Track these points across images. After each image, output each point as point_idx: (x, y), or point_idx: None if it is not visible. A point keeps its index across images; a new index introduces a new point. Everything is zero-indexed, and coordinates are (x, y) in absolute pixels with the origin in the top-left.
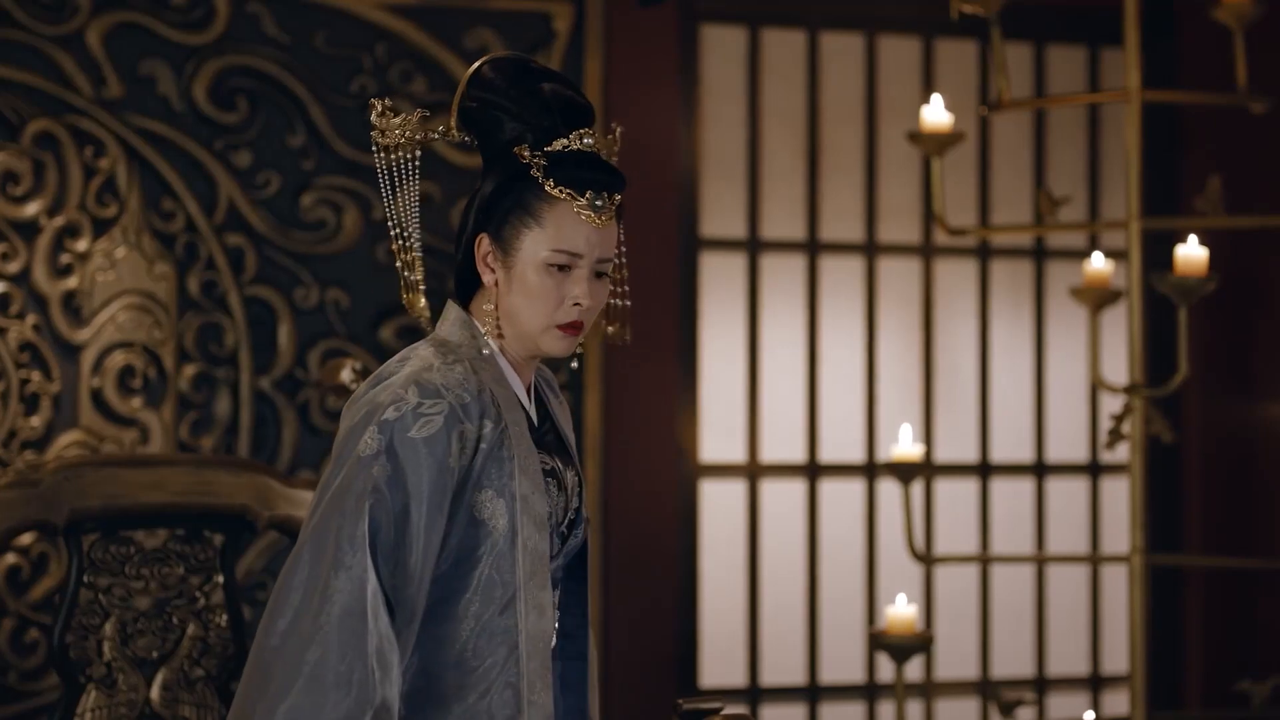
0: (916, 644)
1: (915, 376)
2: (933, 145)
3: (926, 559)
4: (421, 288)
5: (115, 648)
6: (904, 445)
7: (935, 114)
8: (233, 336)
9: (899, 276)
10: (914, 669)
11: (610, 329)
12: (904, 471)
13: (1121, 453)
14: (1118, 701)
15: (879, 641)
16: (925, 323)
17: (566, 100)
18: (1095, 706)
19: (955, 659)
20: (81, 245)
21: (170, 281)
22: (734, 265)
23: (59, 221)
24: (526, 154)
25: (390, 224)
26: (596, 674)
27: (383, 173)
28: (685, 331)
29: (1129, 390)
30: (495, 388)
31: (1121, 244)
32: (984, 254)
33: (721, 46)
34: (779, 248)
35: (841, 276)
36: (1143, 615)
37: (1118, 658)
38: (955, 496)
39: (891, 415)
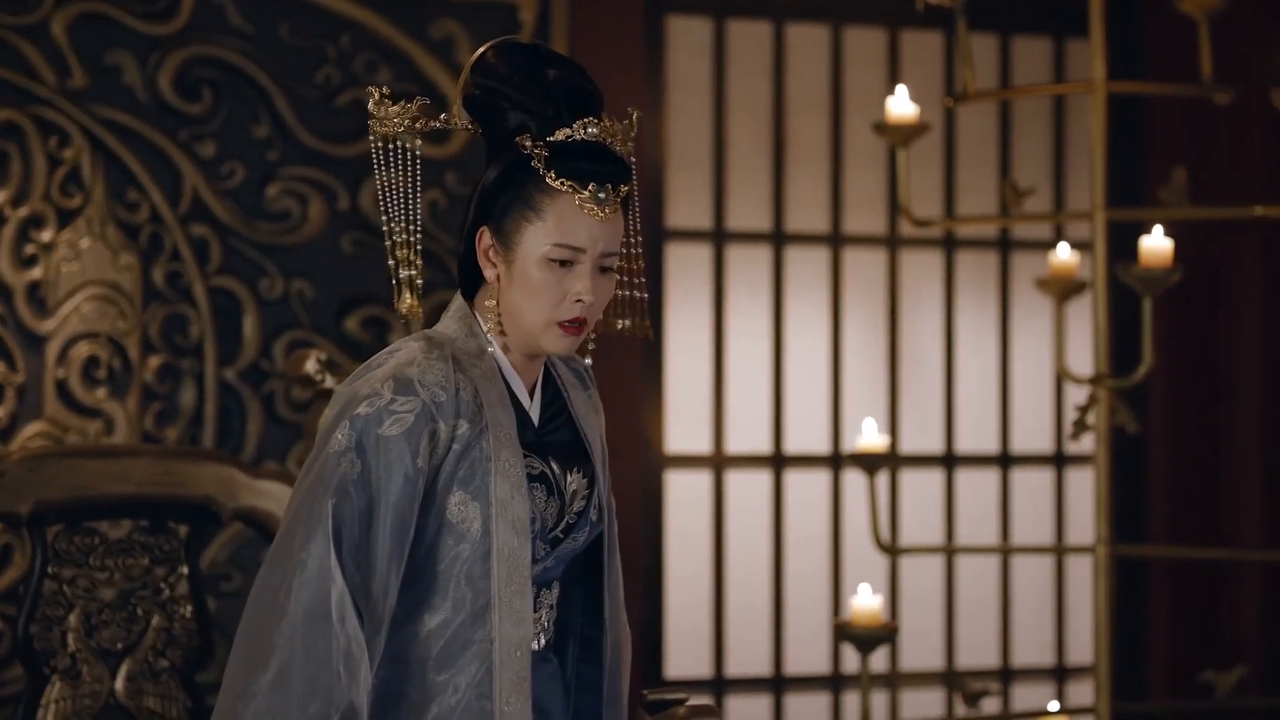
0: (881, 635)
1: (881, 367)
2: (898, 136)
3: (892, 550)
4: (419, 281)
5: (80, 639)
6: (869, 436)
7: (901, 105)
8: (197, 327)
9: (864, 267)
10: (879, 660)
11: (628, 323)
12: (869, 462)
13: (1086, 444)
14: (1083, 692)
15: (844, 632)
16: (891, 314)
17: (571, 88)
18: (1060, 697)
19: (920, 650)
20: (46, 236)
21: (135, 272)
22: (699, 256)
23: (23, 212)
24: (528, 144)
25: (385, 218)
26: (626, 668)
27: (379, 163)
28: (650, 322)
29: (1094, 381)
30: (484, 386)
31: (1087, 235)
32: (949, 245)
33: (687, 38)
34: (744, 238)
35: (807, 267)
36: (1107, 606)
37: (1082, 648)
38: (920, 487)
39: (857, 406)
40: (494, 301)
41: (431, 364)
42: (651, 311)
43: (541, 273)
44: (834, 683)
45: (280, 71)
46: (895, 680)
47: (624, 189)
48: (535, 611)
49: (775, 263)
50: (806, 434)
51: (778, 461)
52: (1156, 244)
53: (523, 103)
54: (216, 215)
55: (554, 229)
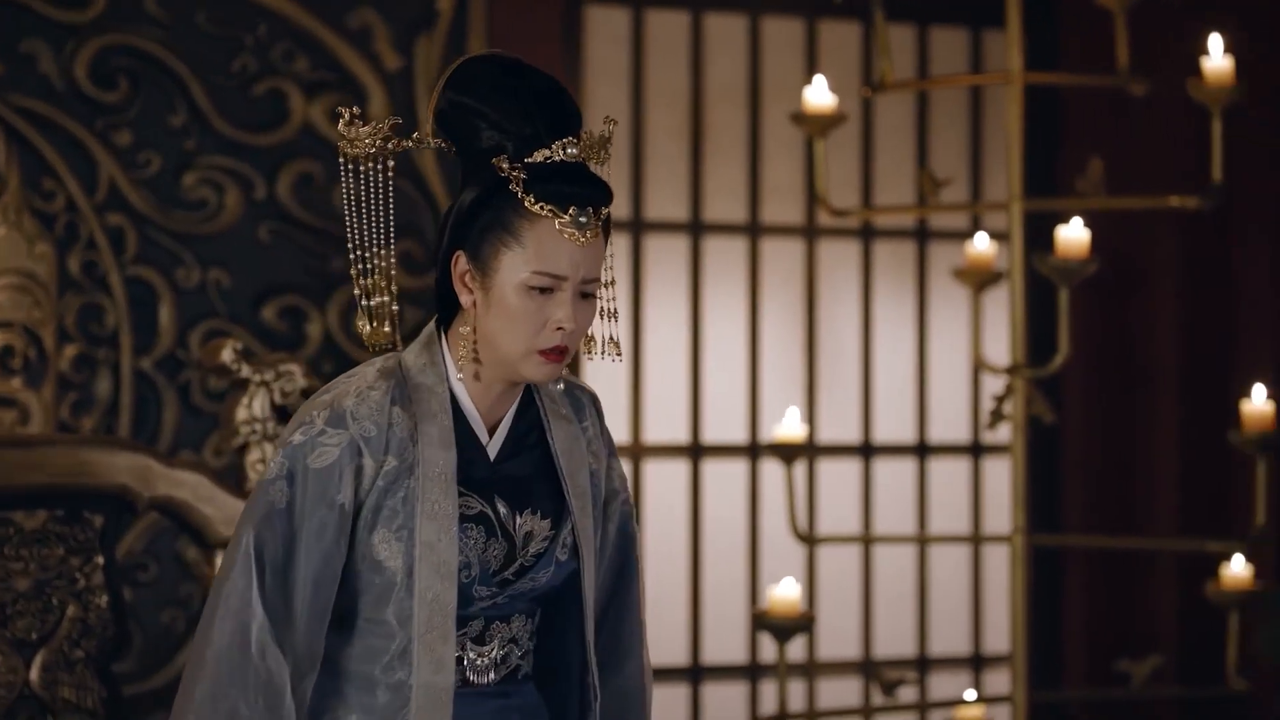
0: (799, 624)
1: (798, 357)
2: (816, 126)
3: (809, 539)
4: (395, 308)
5: None
6: (788, 426)
7: (818, 95)
8: (113, 317)
9: (782, 257)
10: (796, 649)
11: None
12: (787, 452)
13: (1003, 433)
14: (999, 681)
15: (761, 622)
16: (808, 303)
17: (550, 106)
18: (977, 686)
19: (838, 639)
20: None
21: (50, 261)
22: (617, 246)
23: None
24: (505, 165)
25: (350, 246)
26: (644, 701)
27: (348, 187)
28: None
29: (1010, 371)
30: (426, 422)
31: (1004, 225)
32: (867, 235)
33: (605, 27)
34: (663, 229)
35: (725, 257)
36: (1024, 595)
37: (999, 637)
38: (838, 477)
39: (775, 396)
40: (470, 328)
41: (369, 396)
42: None
43: (520, 300)
44: (751, 672)
45: (197, 60)
46: (813, 670)
47: (605, 211)
48: (486, 645)
49: (693, 253)
50: (724, 424)
51: (695, 451)
52: (1073, 234)
53: (499, 122)
54: (133, 204)
55: (533, 256)
